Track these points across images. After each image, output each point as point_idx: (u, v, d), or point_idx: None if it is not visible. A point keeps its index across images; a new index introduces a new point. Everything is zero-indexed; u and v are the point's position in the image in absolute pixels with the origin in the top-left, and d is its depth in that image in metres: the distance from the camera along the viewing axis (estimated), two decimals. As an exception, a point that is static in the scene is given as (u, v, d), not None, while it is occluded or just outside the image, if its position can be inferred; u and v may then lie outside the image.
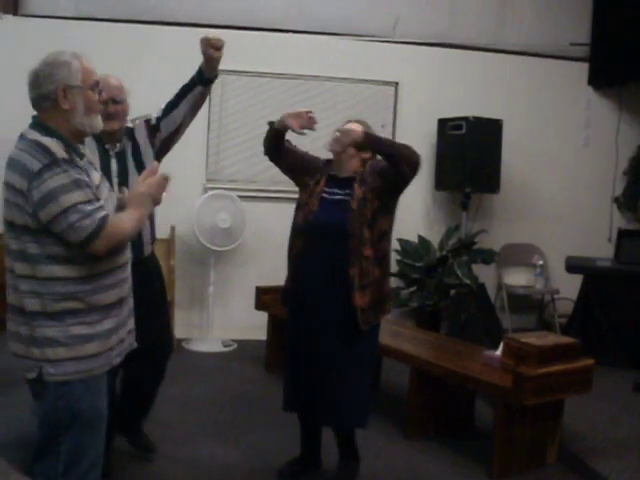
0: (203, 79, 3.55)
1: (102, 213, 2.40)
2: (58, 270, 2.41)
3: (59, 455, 2.50)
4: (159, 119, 3.64)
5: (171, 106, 3.64)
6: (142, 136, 3.63)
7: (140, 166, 3.53)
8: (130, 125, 3.64)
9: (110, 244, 2.44)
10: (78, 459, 2.52)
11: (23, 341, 2.46)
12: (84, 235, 2.36)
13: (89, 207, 2.37)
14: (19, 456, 3.21)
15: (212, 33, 3.43)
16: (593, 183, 7.43)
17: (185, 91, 3.61)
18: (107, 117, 3.38)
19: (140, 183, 2.62)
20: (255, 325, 6.10)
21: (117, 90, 3.53)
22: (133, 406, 3.92)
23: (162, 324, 3.83)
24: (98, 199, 2.45)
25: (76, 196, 2.35)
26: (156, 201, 2.61)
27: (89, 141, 3.39)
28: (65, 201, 2.34)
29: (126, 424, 3.92)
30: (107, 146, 3.53)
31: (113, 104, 3.48)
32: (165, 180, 2.60)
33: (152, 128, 3.64)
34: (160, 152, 3.69)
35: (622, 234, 6.84)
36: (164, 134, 3.66)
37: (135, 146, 3.60)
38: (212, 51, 3.42)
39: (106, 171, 3.40)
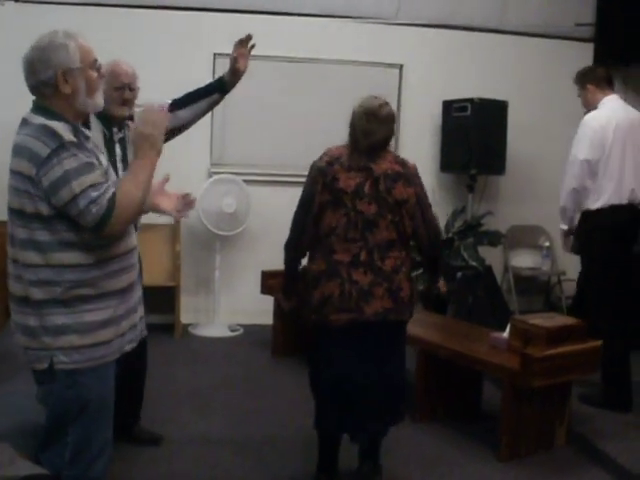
0: (222, 89, 3.59)
1: (109, 193, 2.31)
2: (69, 257, 2.37)
3: (66, 445, 2.50)
4: None
5: (178, 105, 3.65)
6: None
7: None
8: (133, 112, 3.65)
9: (125, 220, 2.37)
10: (86, 447, 2.52)
11: (32, 332, 2.42)
12: (96, 220, 2.29)
13: (96, 192, 2.29)
14: (26, 443, 3.20)
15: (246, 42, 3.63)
16: (599, 164, 7.37)
17: (199, 96, 3.64)
18: (122, 103, 3.47)
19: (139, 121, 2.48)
20: (261, 309, 6.10)
21: (133, 78, 3.58)
22: (128, 399, 3.59)
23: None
24: (107, 180, 2.39)
25: (86, 180, 2.28)
26: (156, 140, 2.44)
27: (95, 124, 3.40)
28: (75, 186, 2.27)
29: (124, 423, 3.68)
30: (114, 129, 3.53)
31: (129, 91, 3.53)
32: (162, 111, 2.53)
33: None
34: None
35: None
36: None
37: None
38: (241, 64, 3.59)
39: (111, 155, 3.40)
